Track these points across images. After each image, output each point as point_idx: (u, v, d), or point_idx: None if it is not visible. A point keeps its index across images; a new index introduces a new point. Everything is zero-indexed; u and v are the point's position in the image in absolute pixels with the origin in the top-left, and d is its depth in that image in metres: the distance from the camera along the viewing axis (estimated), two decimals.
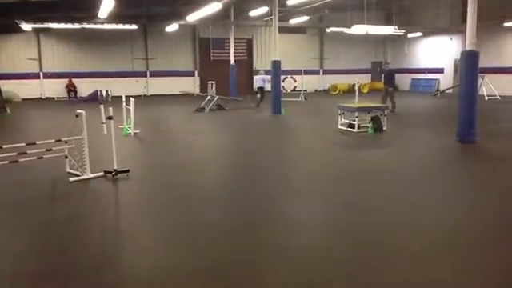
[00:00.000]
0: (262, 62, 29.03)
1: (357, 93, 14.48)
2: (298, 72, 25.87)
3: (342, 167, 8.04)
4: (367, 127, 11.64)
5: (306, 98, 23.03)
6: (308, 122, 14.82)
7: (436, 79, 28.20)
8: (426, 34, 27.87)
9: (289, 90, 28.50)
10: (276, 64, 16.47)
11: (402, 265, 3.98)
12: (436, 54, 28.07)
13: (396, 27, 23.40)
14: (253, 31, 28.74)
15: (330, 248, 4.37)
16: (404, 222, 5.07)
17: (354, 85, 17.28)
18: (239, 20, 24.34)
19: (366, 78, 30.33)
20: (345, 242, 4.54)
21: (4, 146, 6.61)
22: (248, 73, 29.21)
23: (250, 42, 29.75)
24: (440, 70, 27.88)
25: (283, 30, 20.78)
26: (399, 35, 27.23)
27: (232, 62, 23.67)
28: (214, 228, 4.98)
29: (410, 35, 28.03)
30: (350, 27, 22.32)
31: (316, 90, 30.08)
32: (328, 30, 26.46)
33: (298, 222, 5.12)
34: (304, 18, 23.77)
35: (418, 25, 26.91)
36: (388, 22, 26.60)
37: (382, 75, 16.34)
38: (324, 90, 30.23)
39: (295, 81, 28.70)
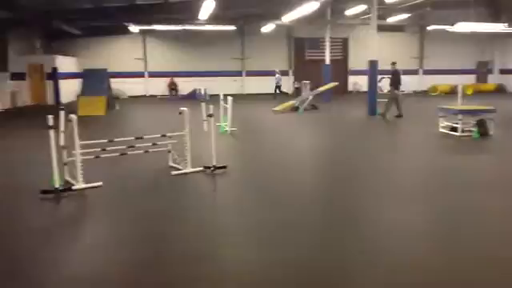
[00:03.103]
0: (357, 61, 28.51)
1: (460, 94, 13.68)
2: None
3: (442, 172, 7.63)
4: (471, 131, 10.97)
5: (403, 99, 22.18)
6: (406, 123, 14.27)
7: None
8: None
9: (385, 91, 27.60)
10: (373, 64, 16.09)
11: (497, 275, 3.73)
12: None
13: (506, 24, 21.74)
14: (349, 30, 28.28)
15: (421, 256, 4.19)
16: (507, 233, 4.72)
17: (456, 86, 16.31)
18: (335, 19, 24.06)
19: (469, 79, 28.55)
20: (440, 250, 4.31)
21: (115, 140, 7.17)
22: (343, 73, 28.83)
23: (345, 42, 29.34)
24: None
25: (381, 28, 20.16)
26: (509, 33, 25.23)
27: (327, 61, 23.45)
28: (307, 228, 4.99)
29: None
30: (453, 25, 21.14)
31: (414, 91, 28.87)
32: (429, 28, 25.26)
33: (392, 227, 4.97)
34: (403, 16, 22.92)
35: None
36: (496, 19, 24.75)
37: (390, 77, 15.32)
38: (423, 91, 28.93)
39: None
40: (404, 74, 24.71)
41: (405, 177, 7.39)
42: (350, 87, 29.34)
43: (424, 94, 28.01)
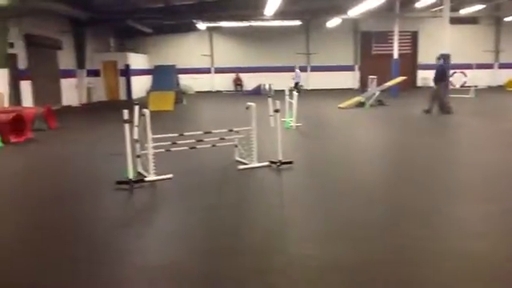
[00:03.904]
0: (427, 55, 27.48)
1: None
2: (468, 66, 23.88)
3: None
4: None
5: (477, 95, 21.19)
6: (478, 120, 13.59)
7: None
8: None
9: (457, 86, 26.47)
10: (445, 57, 15.46)
11: None
12: None
13: None
14: (418, 23, 27.30)
15: (494, 257, 4.01)
16: None
17: None
18: (404, 12, 23.33)
19: None
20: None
21: (185, 134, 7.42)
22: (412, 67, 27.95)
23: (414, 35, 28.39)
24: None
25: (453, 20, 19.36)
26: None
27: (395, 56, 22.79)
28: (374, 226, 4.90)
29: None
30: None
31: (489, 86, 27.43)
32: (506, 20, 23.86)
33: (464, 227, 4.79)
34: (477, 7, 21.81)
35: None
36: None
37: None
38: (499, 86, 27.40)
39: (465, 75, 26.57)
40: (477, 68, 23.74)
41: (475, 176, 7.06)
42: (419, 82, 28.36)
43: (500, 89, 26.52)
